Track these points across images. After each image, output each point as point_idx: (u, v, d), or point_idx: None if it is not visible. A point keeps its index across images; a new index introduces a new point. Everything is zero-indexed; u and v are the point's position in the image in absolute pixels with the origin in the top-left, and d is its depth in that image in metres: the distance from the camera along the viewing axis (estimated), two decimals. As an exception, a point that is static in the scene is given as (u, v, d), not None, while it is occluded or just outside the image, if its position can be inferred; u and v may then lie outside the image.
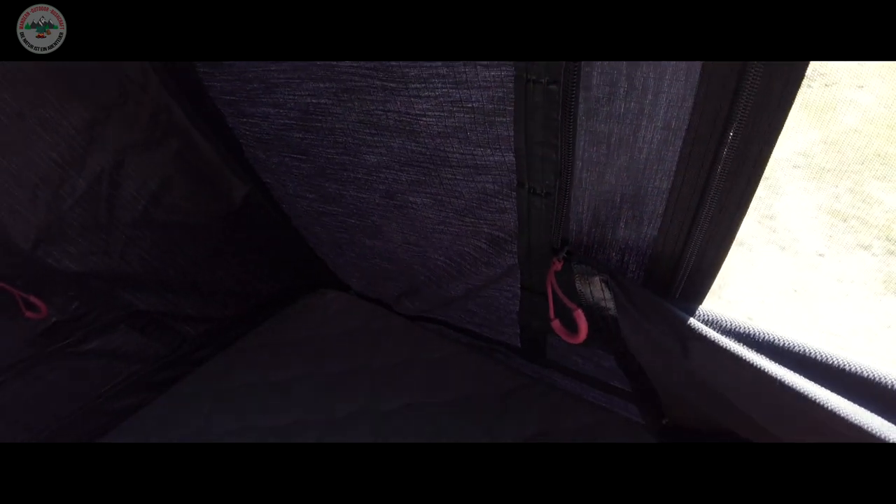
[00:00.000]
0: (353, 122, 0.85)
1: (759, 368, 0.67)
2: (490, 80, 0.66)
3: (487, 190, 0.81)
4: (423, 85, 0.72)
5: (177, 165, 1.16)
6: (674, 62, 0.56)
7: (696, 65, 0.56)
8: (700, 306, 0.74)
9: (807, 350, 0.67)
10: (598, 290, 0.79)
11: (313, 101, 0.86)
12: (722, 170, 0.61)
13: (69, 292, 1.13)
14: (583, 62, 0.59)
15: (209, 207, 1.26)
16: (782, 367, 0.66)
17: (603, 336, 0.85)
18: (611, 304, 0.80)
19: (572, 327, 0.82)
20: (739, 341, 0.71)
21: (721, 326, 0.72)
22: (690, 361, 0.74)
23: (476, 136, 0.74)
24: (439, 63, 0.68)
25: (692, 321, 0.72)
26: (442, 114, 0.74)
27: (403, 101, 0.76)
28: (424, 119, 0.76)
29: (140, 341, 1.29)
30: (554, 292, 0.81)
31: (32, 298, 1.07)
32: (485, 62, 0.65)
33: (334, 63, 0.78)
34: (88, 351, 1.22)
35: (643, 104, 0.61)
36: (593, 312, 0.82)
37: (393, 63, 0.71)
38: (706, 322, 0.73)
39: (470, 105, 0.70)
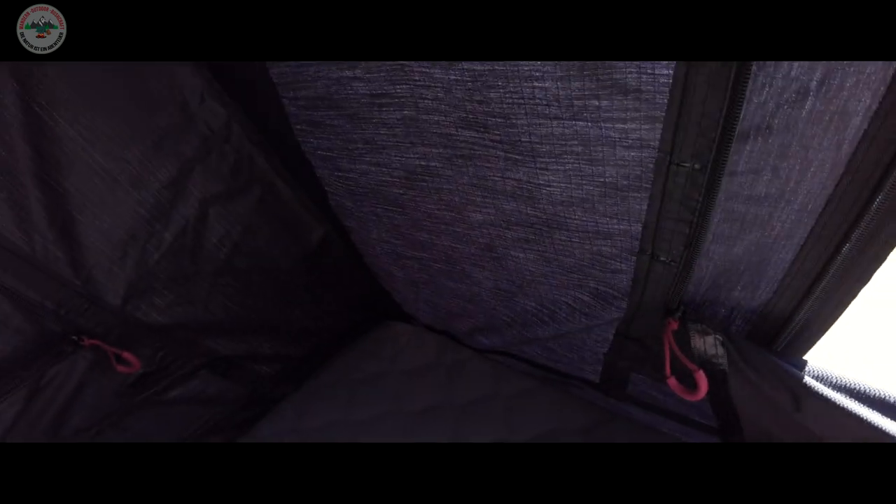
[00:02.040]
0: (463, 184, 0.87)
1: (876, 426, 0.70)
2: (629, 159, 0.68)
3: (604, 252, 0.83)
4: (554, 160, 0.73)
5: (258, 212, 1.18)
6: (818, 160, 0.60)
7: (842, 160, 0.59)
8: (809, 362, 0.78)
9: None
10: (710, 348, 0.83)
11: (422, 163, 0.88)
12: (849, 248, 0.65)
13: (155, 344, 1.15)
14: (732, 150, 0.62)
15: (288, 251, 1.27)
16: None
17: (710, 391, 0.89)
18: (722, 360, 0.83)
19: (689, 385, 0.85)
20: (850, 397, 0.75)
21: (831, 382, 0.76)
22: (803, 415, 0.78)
23: (604, 207, 0.75)
24: (575, 142, 0.70)
25: (806, 378, 0.75)
26: (569, 185, 0.75)
27: (528, 171, 0.77)
28: (548, 188, 0.78)
29: (220, 384, 1.31)
30: (672, 351, 0.85)
31: (125, 354, 1.08)
32: (626, 144, 0.67)
33: (454, 133, 0.80)
34: (172, 398, 1.24)
35: (784, 190, 0.63)
36: (704, 367, 0.85)
37: (523, 140, 0.74)
38: (817, 378, 0.77)
39: (602, 180, 0.72)
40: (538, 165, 0.76)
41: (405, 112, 0.82)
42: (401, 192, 0.97)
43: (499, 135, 0.76)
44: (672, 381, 0.87)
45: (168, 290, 1.11)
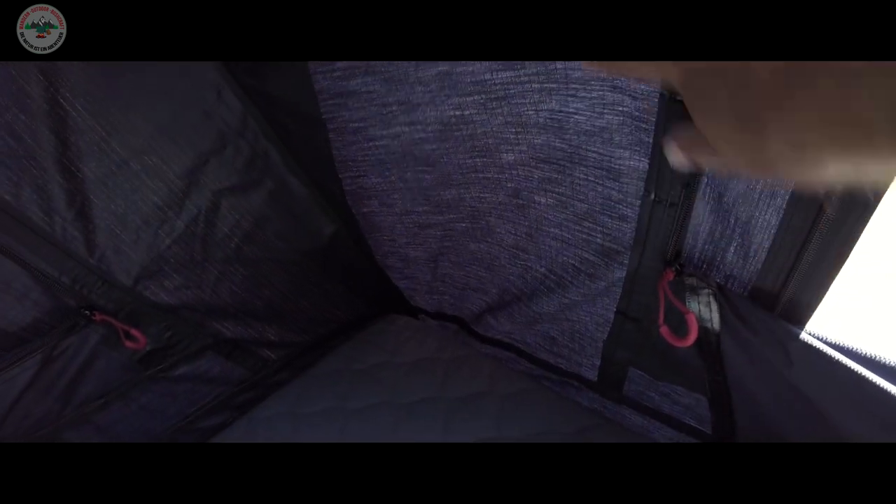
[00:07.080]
0: (497, 124, 0.93)
1: (871, 381, 0.69)
2: (641, 92, 0.76)
3: (612, 197, 0.89)
4: (583, 86, 0.81)
5: (270, 206, 1.25)
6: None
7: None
8: (803, 326, 0.79)
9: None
10: (704, 303, 0.87)
11: (457, 113, 0.95)
12: (823, 224, 0.69)
13: (163, 323, 1.20)
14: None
15: (299, 245, 1.34)
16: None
17: (702, 351, 0.93)
18: (716, 318, 0.87)
19: (681, 332, 0.89)
20: (845, 355, 0.75)
21: (825, 341, 0.76)
22: (794, 372, 0.79)
23: (620, 137, 0.83)
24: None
25: (801, 334, 0.77)
26: (593, 114, 0.83)
27: (559, 99, 0.85)
28: (575, 117, 0.85)
29: (225, 366, 1.35)
30: (666, 298, 0.88)
31: (133, 331, 1.14)
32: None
33: (489, 77, 0.88)
34: (178, 376, 1.27)
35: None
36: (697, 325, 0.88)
37: (558, 67, 0.81)
38: (811, 335, 0.78)
39: (621, 108, 0.80)
40: (569, 92, 0.84)
41: (440, 67, 0.91)
42: (434, 146, 1.03)
43: (535, 67, 0.84)
44: (664, 330, 0.91)
45: (178, 273, 1.17)
